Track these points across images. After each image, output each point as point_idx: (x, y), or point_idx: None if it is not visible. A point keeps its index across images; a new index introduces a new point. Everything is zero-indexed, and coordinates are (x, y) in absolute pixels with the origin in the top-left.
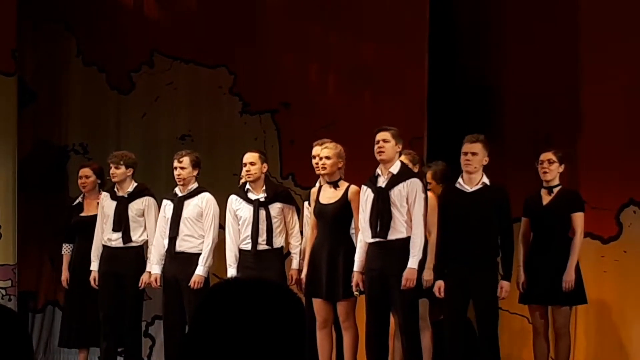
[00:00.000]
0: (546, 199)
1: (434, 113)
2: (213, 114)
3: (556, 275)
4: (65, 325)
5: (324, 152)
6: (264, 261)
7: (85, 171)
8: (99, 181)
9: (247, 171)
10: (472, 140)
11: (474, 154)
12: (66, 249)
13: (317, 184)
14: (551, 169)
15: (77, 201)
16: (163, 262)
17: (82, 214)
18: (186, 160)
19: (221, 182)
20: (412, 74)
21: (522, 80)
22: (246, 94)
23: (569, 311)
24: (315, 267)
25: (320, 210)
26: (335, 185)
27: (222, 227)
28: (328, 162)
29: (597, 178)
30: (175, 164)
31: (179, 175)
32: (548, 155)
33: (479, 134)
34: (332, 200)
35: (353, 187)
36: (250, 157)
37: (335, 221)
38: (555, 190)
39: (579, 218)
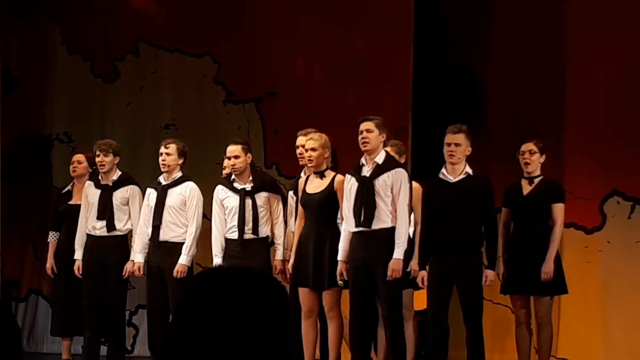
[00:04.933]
0: (527, 189)
1: (418, 103)
2: (197, 103)
3: (536, 265)
4: (54, 314)
5: (309, 144)
6: (250, 250)
7: (78, 157)
8: (90, 170)
9: (232, 165)
10: (454, 131)
11: (457, 144)
12: (52, 237)
13: (302, 174)
14: (532, 160)
15: (66, 189)
16: (146, 250)
17: (70, 202)
18: (173, 148)
19: (205, 171)
20: (398, 64)
21: (506, 71)
22: (230, 83)
23: (550, 301)
24: (301, 256)
25: (307, 200)
26: (321, 175)
27: (205, 216)
28: (314, 154)
29: (581, 168)
30: (162, 149)
31: (163, 161)
32: (529, 146)
33: (462, 125)
34: (318, 190)
35: (339, 177)
36: (233, 150)
37: (321, 210)
38: (536, 180)
39: (559, 209)
